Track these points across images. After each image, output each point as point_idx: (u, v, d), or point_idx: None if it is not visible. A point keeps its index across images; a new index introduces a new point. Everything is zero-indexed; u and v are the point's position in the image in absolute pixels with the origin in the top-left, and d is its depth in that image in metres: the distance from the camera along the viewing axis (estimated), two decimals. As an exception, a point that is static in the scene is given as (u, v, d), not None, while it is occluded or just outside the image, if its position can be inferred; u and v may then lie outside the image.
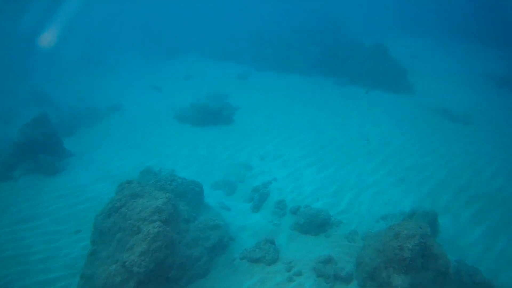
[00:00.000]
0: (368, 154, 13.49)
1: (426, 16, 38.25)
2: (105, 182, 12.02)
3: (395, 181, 11.76)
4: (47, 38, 28.11)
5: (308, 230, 9.34)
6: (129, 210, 7.27)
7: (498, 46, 27.61)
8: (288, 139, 14.90)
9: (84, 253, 8.27)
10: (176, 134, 15.89)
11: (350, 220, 9.85)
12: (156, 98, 20.86)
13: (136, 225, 6.97)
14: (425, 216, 8.92)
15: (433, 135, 15.19)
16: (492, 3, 35.32)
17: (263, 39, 28.71)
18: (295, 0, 43.02)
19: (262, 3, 44.35)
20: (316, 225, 9.35)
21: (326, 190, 11.24)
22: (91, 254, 7.64)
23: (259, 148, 14.19)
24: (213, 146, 14.62)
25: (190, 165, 13.22)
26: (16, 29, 30.21)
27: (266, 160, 13.26)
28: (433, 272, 6.64)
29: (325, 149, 13.98)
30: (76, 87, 23.78)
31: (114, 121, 17.91)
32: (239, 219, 10.04)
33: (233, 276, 7.84)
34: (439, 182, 11.67)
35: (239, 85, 22.26)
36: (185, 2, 48.65)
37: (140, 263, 6.38)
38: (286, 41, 27.38)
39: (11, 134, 13.88)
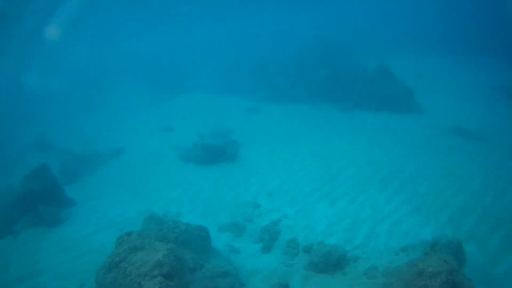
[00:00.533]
0: (380, 183, 12.89)
1: (428, 31, 37.91)
2: (108, 231, 11.53)
3: (411, 209, 11.11)
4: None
5: (324, 269, 8.73)
6: (129, 265, 6.78)
7: (507, 57, 26.75)
8: (295, 172, 14.37)
9: (87, 311, 7.75)
10: (180, 175, 15.45)
11: (367, 255, 9.22)
12: (159, 138, 20.57)
13: (137, 282, 6.47)
14: (449, 245, 8.29)
15: (448, 156, 14.57)
16: (497, 13, 34.82)
17: (269, 70, 28.36)
18: (296, 26, 43.39)
19: (265, 33, 44.62)
20: (331, 263, 8.76)
21: (339, 225, 10.63)
22: (92, 314, 7.13)
23: (266, 185, 13.65)
24: (218, 185, 14.11)
25: (196, 207, 12.67)
26: (18, 72, 30.58)
27: (274, 197, 12.69)
28: (465, 313, 6.02)
29: (334, 180, 13.40)
30: (78, 127, 23.70)
31: (117, 165, 17.59)
32: (250, 262, 9.45)
33: (246, 328, 7.25)
34: (459, 207, 10.99)
35: (244, 119, 21.95)
36: (188, 38, 49.24)
37: (142, 324, 5.84)
38: (291, 69, 27.07)
39: (15, 185, 13.51)
